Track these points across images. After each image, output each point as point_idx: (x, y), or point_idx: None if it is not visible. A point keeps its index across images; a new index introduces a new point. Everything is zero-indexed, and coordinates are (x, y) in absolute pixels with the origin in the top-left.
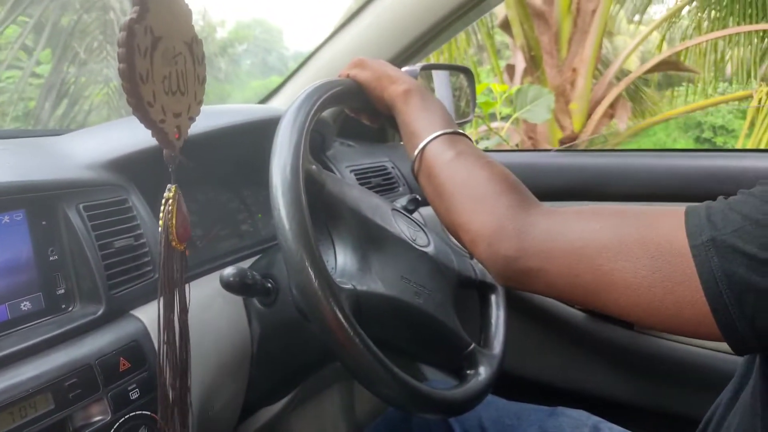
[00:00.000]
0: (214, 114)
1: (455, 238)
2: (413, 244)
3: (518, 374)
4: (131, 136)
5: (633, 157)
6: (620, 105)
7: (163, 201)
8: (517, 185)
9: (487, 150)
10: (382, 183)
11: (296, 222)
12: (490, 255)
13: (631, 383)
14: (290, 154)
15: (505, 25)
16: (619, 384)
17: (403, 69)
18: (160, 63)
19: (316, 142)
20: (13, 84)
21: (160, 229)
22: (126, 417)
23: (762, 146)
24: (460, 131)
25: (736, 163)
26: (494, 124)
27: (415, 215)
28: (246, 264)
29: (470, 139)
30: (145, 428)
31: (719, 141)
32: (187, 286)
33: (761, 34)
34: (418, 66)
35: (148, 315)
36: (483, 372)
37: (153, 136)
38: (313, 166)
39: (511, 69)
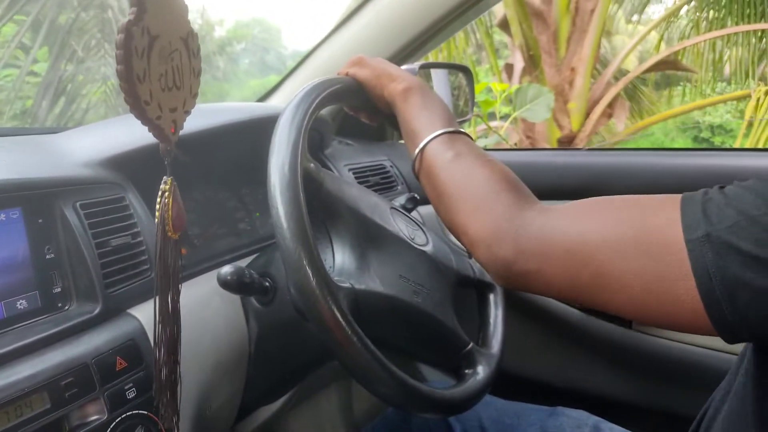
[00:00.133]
0: (212, 112)
1: (456, 238)
2: (412, 243)
3: (517, 374)
4: (128, 133)
5: (631, 156)
6: (618, 104)
7: (160, 193)
8: (515, 184)
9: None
10: (380, 182)
11: (294, 220)
12: (488, 258)
13: (630, 382)
14: (288, 152)
15: (504, 25)
16: (618, 383)
17: (402, 68)
18: (157, 61)
19: (315, 141)
20: (11, 82)
21: (156, 220)
22: (123, 416)
23: (760, 146)
24: (460, 130)
25: (734, 162)
26: (493, 123)
27: (414, 214)
28: (244, 263)
29: (470, 137)
30: (141, 428)
31: (717, 140)
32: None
33: (759, 33)
34: (416, 65)
35: (145, 314)
36: (481, 371)
37: (150, 131)
38: (312, 165)
39: (509, 68)
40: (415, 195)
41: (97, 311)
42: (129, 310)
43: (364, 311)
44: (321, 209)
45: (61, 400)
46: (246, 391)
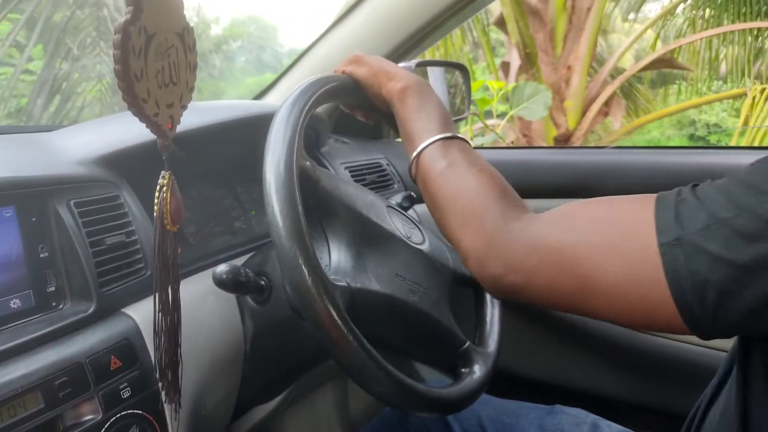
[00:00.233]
0: (208, 110)
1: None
2: (408, 242)
3: (513, 372)
4: (123, 132)
5: (628, 154)
6: (615, 103)
7: (158, 187)
8: (504, 193)
9: (482, 147)
10: (376, 180)
11: (290, 219)
12: (479, 273)
13: (627, 380)
14: (284, 150)
15: (501, 23)
16: (615, 381)
17: (399, 65)
18: (154, 59)
19: (311, 139)
20: (5, 80)
21: (155, 214)
22: (117, 416)
23: (755, 144)
24: (456, 135)
25: (730, 160)
26: (490, 122)
27: (410, 212)
28: (239, 261)
29: (465, 140)
30: (136, 427)
31: (713, 139)
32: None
33: (755, 32)
34: (413, 62)
35: (140, 313)
36: (478, 370)
37: (148, 128)
38: (308, 163)
39: (506, 66)
40: (412, 193)
41: (91, 310)
42: (123, 309)
43: (360, 310)
44: (317, 208)
45: (55, 400)
46: (242, 390)
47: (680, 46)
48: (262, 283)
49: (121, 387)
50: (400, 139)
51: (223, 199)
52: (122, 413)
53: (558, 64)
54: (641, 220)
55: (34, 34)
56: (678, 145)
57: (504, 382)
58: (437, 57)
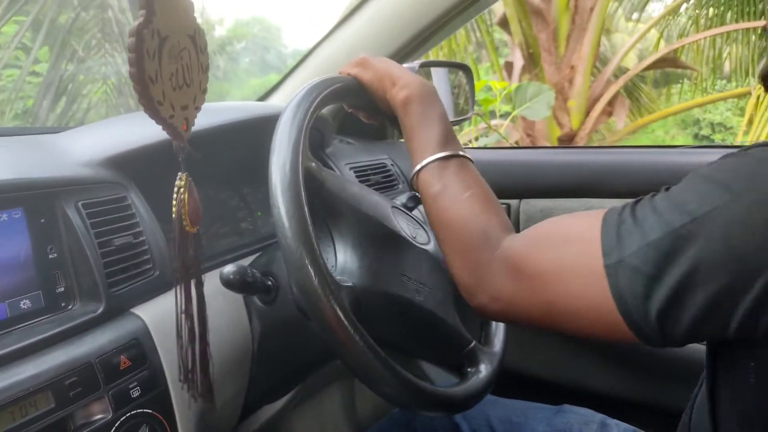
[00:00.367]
0: (213, 111)
1: None
2: (413, 242)
3: (519, 372)
4: (129, 133)
5: (632, 154)
6: (618, 102)
7: (175, 189)
8: (489, 220)
9: (486, 148)
10: (381, 180)
11: (296, 220)
12: (468, 300)
13: (633, 379)
14: (289, 151)
15: (504, 23)
16: (621, 380)
17: (403, 66)
18: (167, 61)
19: (316, 140)
20: (12, 82)
21: (173, 216)
22: (127, 415)
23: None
24: (455, 152)
25: None
26: (493, 122)
27: (415, 212)
28: (246, 262)
29: (464, 156)
30: (146, 427)
31: (717, 138)
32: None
33: (759, 31)
34: (416, 63)
35: (148, 313)
36: (484, 370)
37: (164, 130)
38: (313, 164)
39: (509, 66)
40: (416, 194)
41: (100, 311)
42: (132, 310)
43: (366, 310)
44: (322, 208)
45: (66, 400)
46: (249, 390)
47: (684, 45)
48: (269, 283)
49: (131, 386)
50: (403, 140)
51: (229, 200)
52: (132, 412)
53: (561, 63)
54: (591, 240)
55: (39, 36)
56: (682, 144)
57: (510, 381)
58: (441, 57)
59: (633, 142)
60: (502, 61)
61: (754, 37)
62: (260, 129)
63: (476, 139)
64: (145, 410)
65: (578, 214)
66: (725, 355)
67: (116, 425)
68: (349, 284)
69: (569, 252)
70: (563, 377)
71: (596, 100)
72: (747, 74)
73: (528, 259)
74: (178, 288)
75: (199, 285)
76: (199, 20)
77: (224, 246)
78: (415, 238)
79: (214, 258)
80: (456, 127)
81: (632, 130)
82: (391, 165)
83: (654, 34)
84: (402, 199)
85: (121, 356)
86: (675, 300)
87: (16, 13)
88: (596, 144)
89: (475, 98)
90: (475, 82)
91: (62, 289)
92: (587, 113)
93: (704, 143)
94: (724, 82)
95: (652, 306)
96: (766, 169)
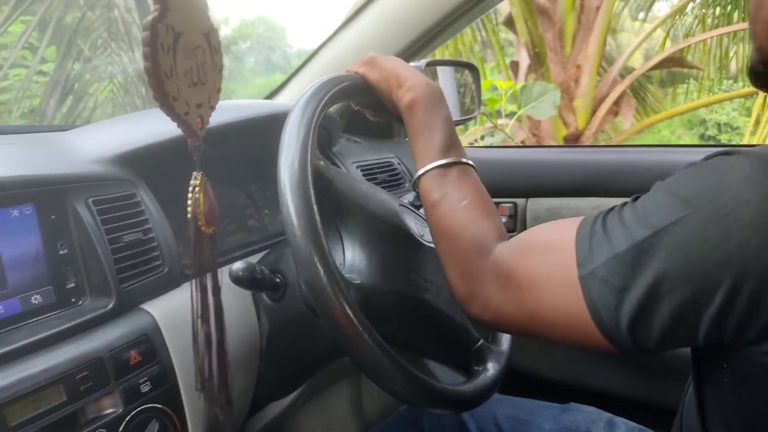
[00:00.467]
0: (221, 109)
1: None
2: (421, 240)
3: (526, 371)
4: (138, 131)
5: (639, 153)
6: (624, 102)
7: (190, 188)
8: (482, 229)
9: (493, 147)
10: (388, 179)
11: (305, 218)
12: (463, 309)
13: (639, 378)
14: (298, 149)
15: (509, 22)
16: (627, 379)
17: (410, 65)
18: (182, 57)
19: (323, 138)
20: (19, 82)
21: (188, 215)
22: (137, 410)
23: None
24: (456, 159)
25: None
26: (499, 122)
27: (422, 211)
28: (254, 259)
29: (465, 163)
30: (156, 422)
31: (724, 138)
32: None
33: None
34: (423, 62)
35: (158, 309)
36: (491, 368)
37: (179, 127)
38: (321, 162)
39: (515, 66)
40: None
41: (110, 306)
42: (142, 306)
43: (373, 308)
44: (331, 206)
45: (77, 394)
46: (258, 387)
47: (690, 45)
48: (277, 280)
49: (140, 381)
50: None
51: (237, 198)
52: (142, 407)
53: (567, 63)
54: (567, 251)
55: (46, 36)
56: (688, 143)
57: (516, 380)
58: (447, 56)
59: (639, 142)
60: (507, 61)
61: None
62: (268, 127)
63: (482, 138)
64: (155, 405)
65: (560, 222)
66: (705, 356)
67: (126, 419)
68: (358, 282)
69: (547, 262)
70: (569, 377)
71: (602, 99)
72: None
73: (512, 268)
74: (194, 292)
75: (217, 291)
76: None
77: (232, 243)
78: (422, 236)
79: (222, 255)
80: (461, 126)
81: (638, 130)
82: (398, 164)
83: (660, 33)
84: (409, 197)
85: (131, 351)
86: (643, 311)
87: (22, 13)
88: (602, 143)
89: (482, 97)
90: (482, 81)
91: (73, 284)
92: (593, 113)
93: (710, 143)
94: (731, 81)
95: (623, 317)
96: (722, 180)
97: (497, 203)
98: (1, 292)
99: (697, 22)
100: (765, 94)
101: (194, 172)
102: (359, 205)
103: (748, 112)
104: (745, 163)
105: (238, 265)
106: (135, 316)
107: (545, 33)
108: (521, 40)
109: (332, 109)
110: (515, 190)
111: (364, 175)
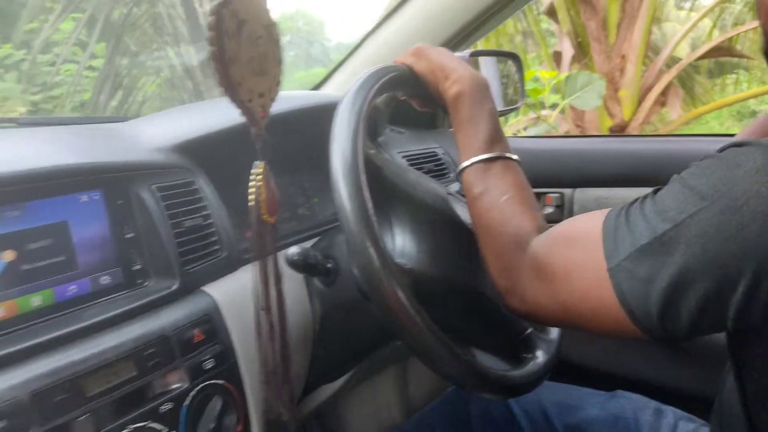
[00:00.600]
0: None
1: None
2: (471, 228)
3: (573, 360)
4: (194, 122)
5: (687, 142)
6: (672, 93)
7: (252, 177)
8: (522, 222)
9: (539, 137)
10: (433, 169)
11: (357, 204)
12: (504, 303)
13: (688, 368)
14: (350, 138)
15: (551, 12)
16: (676, 370)
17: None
18: (246, 45)
19: (369, 128)
20: (71, 77)
21: (251, 203)
22: (202, 386)
23: None
24: (500, 153)
25: None
26: (542, 112)
27: None
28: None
29: (509, 157)
30: (218, 398)
31: None
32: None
33: None
34: (467, 52)
35: (218, 291)
36: (541, 356)
37: (242, 115)
38: (372, 150)
39: (557, 56)
40: None
41: (174, 287)
42: (203, 288)
43: (424, 294)
44: (381, 193)
45: (146, 369)
46: (311, 369)
47: (739, 34)
48: (329, 266)
49: (203, 359)
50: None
51: (288, 187)
52: (206, 383)
53: (611, 53)
54: (595, 243)
55: (95, 32)
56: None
57: (564, 369)
58: (488, 47)
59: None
60: (549, 51)
61: None
62: (317, 117)
63: (525, 129)
64: (217, 381)
65: (589, 214)
66: (738, 342)
67: (192, 394)
68: (408, 267)
69: (577, 254)
70: (616, 366)
71: (648, 90)
72: None
73: (545, 260)
74: (257, 282)
75: (278, 280)
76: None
77: (283, 231)
78: (471, 224)
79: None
80: (502, 117)
81: (685, 121)
82: (443, 154)
83: (707, 23)
84: (455, 186)
85: (195, 330)
86: (669, 302)
87: (73, 11)
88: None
89: (525, 88)
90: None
91: (139, 266)
92: (639, 103)
93: None
94: None
95: (652, 307)
96: (735, 173)
97: (544, 193)
98: (73, 272)
99: (747, 9)
100: None
101: (256, 161)
102: (408, 192)
103: None
104: (757, 154)
105: (293, 250)
106: (196, 297)
107: (588, 22)
108: (563, 29)
109: (378, 99)
110: (562, 179)
111: (410, 165)
